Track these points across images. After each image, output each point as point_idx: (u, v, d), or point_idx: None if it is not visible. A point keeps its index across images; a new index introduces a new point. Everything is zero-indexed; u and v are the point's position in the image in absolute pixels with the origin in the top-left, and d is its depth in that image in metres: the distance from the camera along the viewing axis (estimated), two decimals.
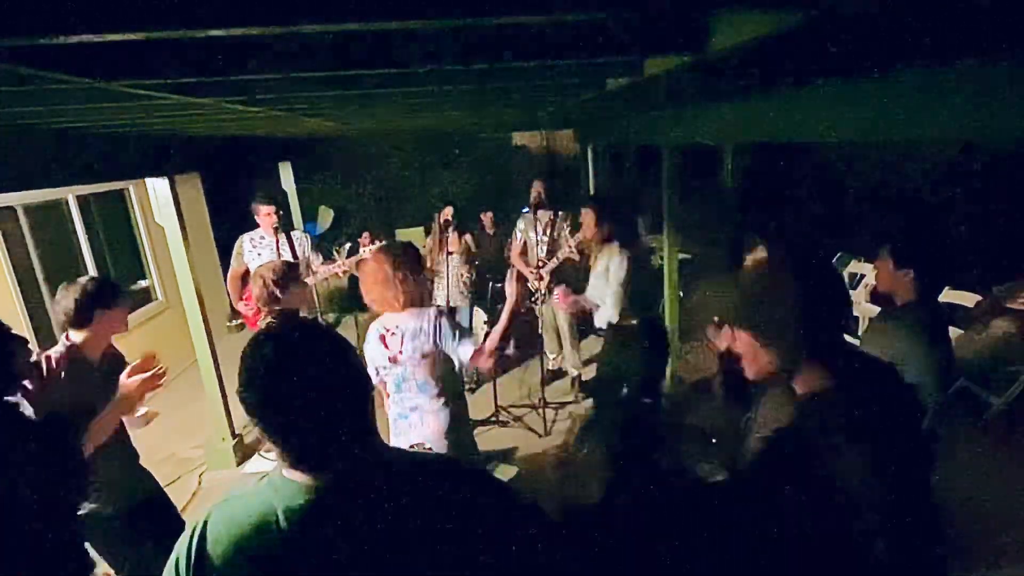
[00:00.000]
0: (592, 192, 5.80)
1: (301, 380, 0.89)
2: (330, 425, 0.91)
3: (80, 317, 2.18)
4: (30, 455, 1.56)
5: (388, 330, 2.27)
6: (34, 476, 1.53)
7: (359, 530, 0.91)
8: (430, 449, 2.25)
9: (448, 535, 0.93)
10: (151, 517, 2.32)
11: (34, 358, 2.08)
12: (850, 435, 1.14)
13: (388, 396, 2.39)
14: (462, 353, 2.26)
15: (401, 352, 2.25)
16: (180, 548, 0.96)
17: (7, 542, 1.36)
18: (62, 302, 2.19)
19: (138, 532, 2.21)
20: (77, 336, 2.21)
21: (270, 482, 0.97)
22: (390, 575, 0.92)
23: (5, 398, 1.68)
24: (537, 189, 4.98)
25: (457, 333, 2.26)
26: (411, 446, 2.28)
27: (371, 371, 2.32)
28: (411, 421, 2.33)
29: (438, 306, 2.27)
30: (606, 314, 3.80)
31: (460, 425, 2.37)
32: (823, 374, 1.20)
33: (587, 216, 3.92)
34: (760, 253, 2.41)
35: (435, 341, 2.23)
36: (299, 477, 0.94)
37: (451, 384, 2.34)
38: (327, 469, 0.93)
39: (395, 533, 0.91)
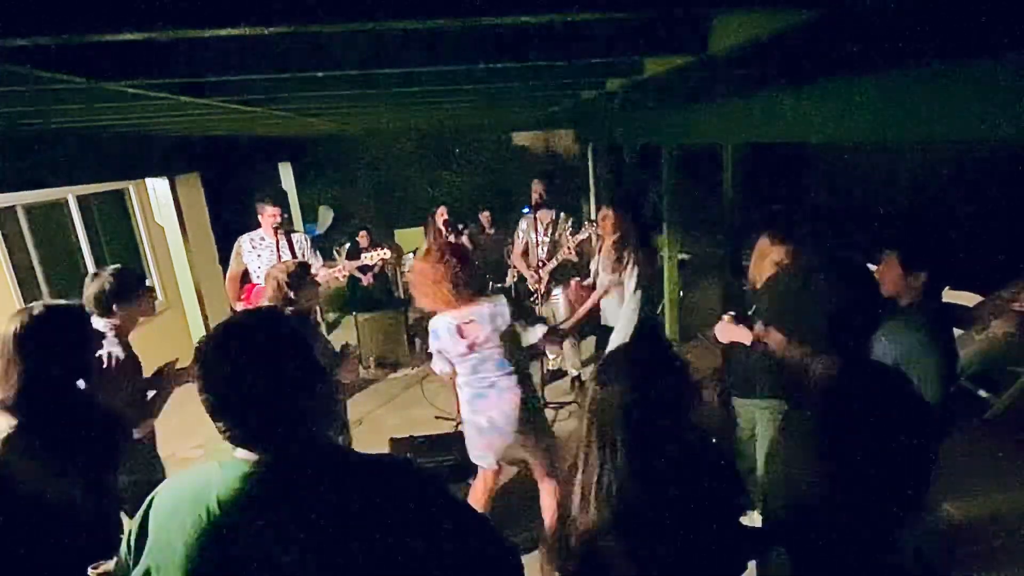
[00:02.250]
0: (592, 191, 5.81)
1: (244, 365, 0.93)
2: (263, 409, 0.94)
3: (104, 305, 2.23)
4: (90, 440, 1.62)
5: (464, 321, 2.40)
6: (91, 457, 1.62)
7: (285, 517, 0.93)
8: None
9: (370, 534, 0.94)
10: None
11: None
12: (850, 439, 1.14)
13: (454, 379, 2.57)
14: (532, 335, 2.50)
15: (478, 337, 2.39)
16: (134, 521, 1.01)
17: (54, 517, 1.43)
18: (89, 289, 2.23)
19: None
20: (104, 325, 2.24)
21: (219, 462, 1.00)
22: (307, 563, 0.93)
23: (77, 384, 1.73)
24: (537, 189, 4.97)
25: (523, 317, 2.52)
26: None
27: (442, 362, 2.49)
28: (489, 398, 2.47)
29: (501, 291, 2.48)
30: (618, 336, 3.62)
31: (531, 399, 2.58)
32: (833, 367, 1.21)
33: (607, 219, 3.71)
34: (766, 248, 2.40)
35: (510, 322, 2.43)
36: (241, 456, 0.97)
37: (520, 361, 2.55)
38: (261, 449, 0.96)
39: (317, 526, 0.93)
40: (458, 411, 4.19)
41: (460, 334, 2.40)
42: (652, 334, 1.75)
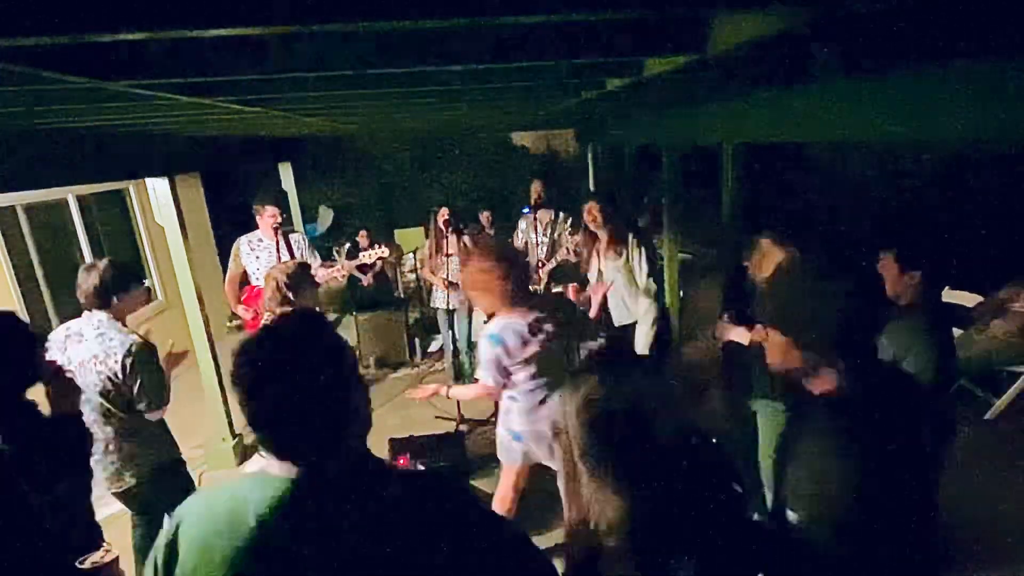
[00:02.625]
0: (593, 190, 5.80)
1: (286, 371, 0.91)
2: (309, 418, 0.92)
3: (104, 297, 2.25)
4: (46, 451, 1.62)
5: (533, 318, 2.36)
6: (49, 469, 1.62)
7: (323, 532, 0.91)
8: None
9: (413, 548, 0.92)
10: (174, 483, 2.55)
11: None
12: (851, 440, 1.14)
13: (504, 390, 2.44)
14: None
15: (549, 330, 2.37)
16: (159, 540, 0.98)
17: (23, 525, 1.43)
18: (87, 282, 2.25)
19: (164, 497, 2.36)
20: (103, 317, 2.27)
21: (250, 477, 0.98)
22: None
23: (25, 396, 1.71)
24: (536, 189, 4.97)
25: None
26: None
27: (498, 371, 2.34)
28: (553, 401, 2.38)
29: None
30: (643, 327, 3.63)
31: None
32: (839, 377, 1.19)
33: (592, 210, 3.73)
34: (768, 249, 2.41)
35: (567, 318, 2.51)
36: (277, 472, 0.95)
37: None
38: (304, 461, 0.94)
39: (360, 539, 0.91)
40: (459, 412, 4.20)
41: (531, 332, 2.33)
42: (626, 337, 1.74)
